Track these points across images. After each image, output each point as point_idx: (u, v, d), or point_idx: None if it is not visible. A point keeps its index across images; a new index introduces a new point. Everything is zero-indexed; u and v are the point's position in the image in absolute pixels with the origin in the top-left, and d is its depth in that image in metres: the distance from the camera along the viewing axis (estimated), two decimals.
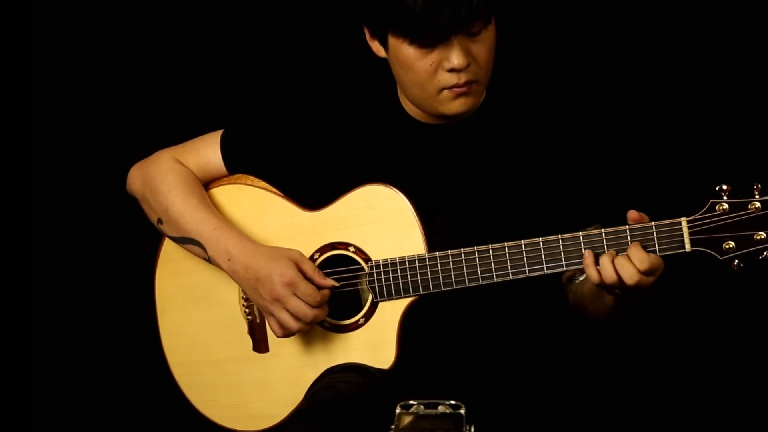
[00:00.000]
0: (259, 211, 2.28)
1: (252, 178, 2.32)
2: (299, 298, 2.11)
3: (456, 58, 2.03)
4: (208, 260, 2.24)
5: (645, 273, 1.92)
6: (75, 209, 3.04)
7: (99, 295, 3.04)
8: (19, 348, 3.06)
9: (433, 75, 2.06)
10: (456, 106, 2.10)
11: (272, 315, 2.15)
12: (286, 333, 2.17)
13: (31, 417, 3.07)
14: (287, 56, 2.88)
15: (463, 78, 2.05)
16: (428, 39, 2.02)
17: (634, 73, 2.72)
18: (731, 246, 1.93)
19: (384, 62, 2.17)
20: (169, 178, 2.31)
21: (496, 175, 2.19)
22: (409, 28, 2.02)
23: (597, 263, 1.97)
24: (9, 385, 3.05)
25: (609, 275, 1.94)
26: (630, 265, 1.92)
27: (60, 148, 3.03)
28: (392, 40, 2.07)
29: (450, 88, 2.07)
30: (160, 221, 2.32)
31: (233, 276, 2.20)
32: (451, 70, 2.04)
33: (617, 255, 1.95)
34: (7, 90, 3.00)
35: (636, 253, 1.93)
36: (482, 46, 2.05)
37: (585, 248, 1.99)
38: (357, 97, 2.30)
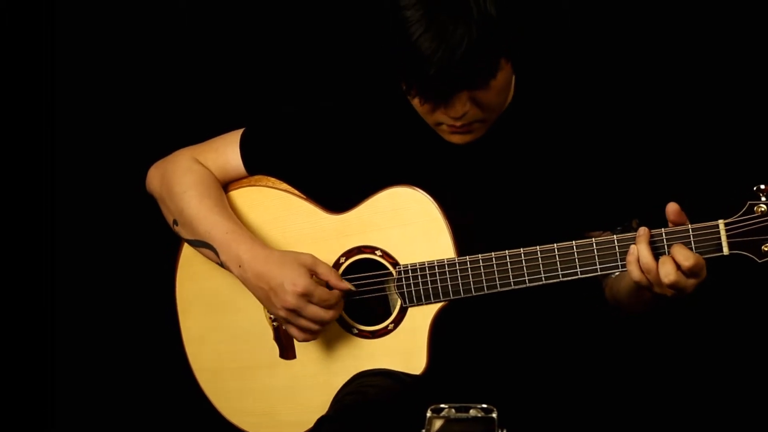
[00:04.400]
0: (281, 214, 2.35)
1: (273, 179, 2.39)
2: (315, 304, 2.19)
3: (453, 110, 2.09)
4: (221, 265, 2.31)
5: (688, 271, 1.99)
6: (93, 210, 3.12)
7: (120, 299, 3.12)
8: (41, 354, 3.14)
9: (431, 112, 2.13)
10: (454, 139, 2.19)
11: (289, 323, 2.24)
12: (307, 337, 2.25)
13: (55, 425, 3.16)
14: (307, 58, 2.94)
15: (459, 122, 2.13)
16: (427, 96, 2.08)
17: (666, 73, 2.76)
18: None
19: None
20: (186, 179, 2.38)
21: (524, 177, 2.26)
22: (406, 80, 2.08)
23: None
24: (32, 393, 3.13)
25: (647, 262, 2.00)
26: (670, 264, 1.99)
27: (78, 149, 3.11)
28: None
29: (448, 125, 2.15)
30: (175, 222, 2.40)
31: (245, 283, 2.28)
32: (447, 115, 2.11)
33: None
34: (29, 92, 3.08)
35: (680, 250, 1.99)
36: (490, 93, 2.10)
37: (620, 251, 2.07)
38: (377, 98, 2.37)
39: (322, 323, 2.20)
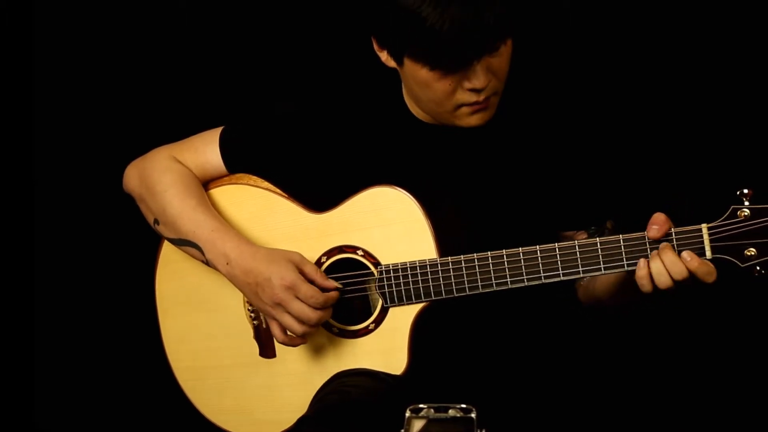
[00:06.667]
0: (263, 212, 2.38)
1: (254, 177, 2.42)
2: (301, 300, 2.21)
3: (477, 80, 2.12)
4: (206, 263, 2.34)
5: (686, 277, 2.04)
6: (73, 210, 3.15)
7: (100, 298, 3.15)
8: (21, 354, 3.17)
9: (452, 94, 2.15)
10: (474, 120, 2.20)
11: (275, 319, 2.26)
12: (290, 339, 2.27)
13: (35, 424, 3.19)
14: (290, 56, 2.96)
15: (483, 96, 2.15)
16: (450, 66, 2.11)
17: (651, 74, 2.79)
18: (753, 253, 2.02)
19: (388, 66, 2.26)
20: (166, 178, 2.40)
21: (506, 176, 2.29)
22: (430, 57, 2.10)
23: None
24: (11, 393, 3.16)
25: (663, 279, 2.05)
26: (678, 262, 2.03)
27: (57, 148, 3.13)
28: (408, 62, 2.15)
29: (470, 104, 2.17)
30: (156, 222, 2.42)
31: (232, 280, 2.30)
32: (472, 89, 2.14)
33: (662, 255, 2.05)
34: (8, 88, 3.10)
35: (671, 255, 2.04)
36: (502, 59, 2.14)
37: (602, 255, 2.10)
38: (361, 97, 2.40)
39: (309, 322, 2.22)
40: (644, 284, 2.07)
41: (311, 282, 2.24)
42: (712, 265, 2.05)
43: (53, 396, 3.20)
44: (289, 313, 2.23)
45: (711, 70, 2.76)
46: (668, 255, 2.05)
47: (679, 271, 2.04)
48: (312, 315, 2.22)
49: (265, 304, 2.26)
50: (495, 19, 2.06)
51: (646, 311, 2.30)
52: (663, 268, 2.05)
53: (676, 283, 2.05)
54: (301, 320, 2.23)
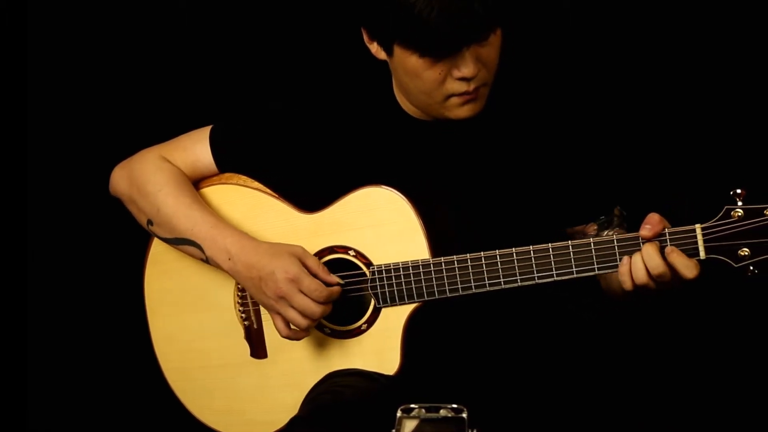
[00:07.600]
0: (253, 212, 2.38)
1: (245, 177, 2.41)
2: (304, 294, 2.22)
3: (467, 68, 2.13)
4: (206, 261, 2.34)
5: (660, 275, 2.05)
6: (63, 211, 3.14)
7: (88, 299, 3.15)
8: (13, 356, 3.17)
9: (442, 83, 2.16)
10: (464, 111, 2.21)
11: (278, 313, 2.26)
12: (292, 333, 2.27)
13: (27, 424, 3.19)
14: (280, 53, 2.96)
15: (472, 85, 2.16)
16: (439, 53, 2.12)
17: (646, 72, 2.80)
18: (746, 253, 2.03)
19: (378, 59, 2.27)
20: (158, 177, 2.39)
21: (498, 172, 2.30)
22: (419, 43, 2.11)
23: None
24: (3, 394, 3.16)
25: (640, 274, 2.07)
26: (655, 257, 2.05)
27: (46, 148, 3.13)
28: (398, 50, 2.16)
29: (459, 95, 2.18)
30: (150, 222, 2.41)
31: (235, 275, 2.30)
32: (461, 79, 2.15)
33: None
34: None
35: (677, 256, 2.06)
36: (491, 49, 2.15)
37: (596, 254, 2.11)
38: (351, 94, 2.40)
39: (312, 316, 2.22)
40: (625, 281, 2.09)
41: (314, 276, 2.24)
42: (693, 260, 2.06)
43: (45, 397, 3.20)
44: (292, 306, 2.23)
45: (709, 65, 2.77)
46: (647, 248, 2.07)
47: (655, 265, 2.05)
48: (316, 309, 2.22)
49: (268, 298, 2.26)
50: (483, 8, 2.07)
51: (639, 312, 2.30)
52: (640, 262, 2.07)
53: (655, 280, 2.07)
54: (305, 314, 2.23)
